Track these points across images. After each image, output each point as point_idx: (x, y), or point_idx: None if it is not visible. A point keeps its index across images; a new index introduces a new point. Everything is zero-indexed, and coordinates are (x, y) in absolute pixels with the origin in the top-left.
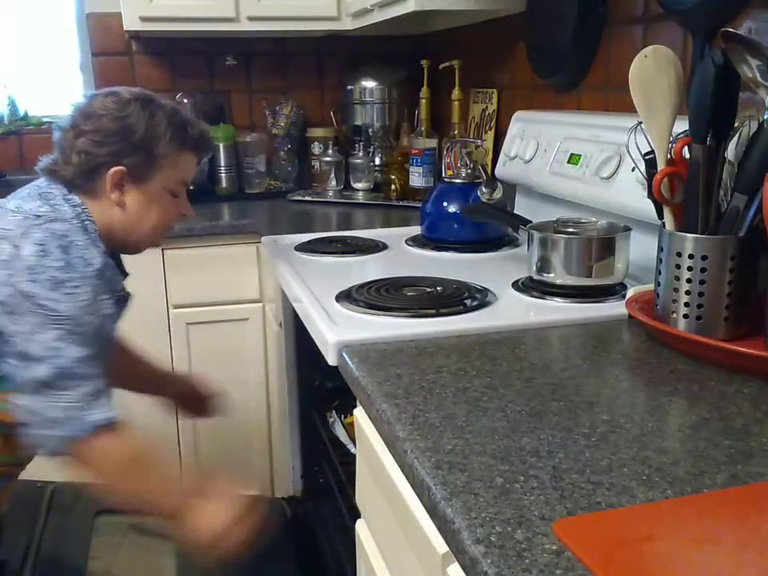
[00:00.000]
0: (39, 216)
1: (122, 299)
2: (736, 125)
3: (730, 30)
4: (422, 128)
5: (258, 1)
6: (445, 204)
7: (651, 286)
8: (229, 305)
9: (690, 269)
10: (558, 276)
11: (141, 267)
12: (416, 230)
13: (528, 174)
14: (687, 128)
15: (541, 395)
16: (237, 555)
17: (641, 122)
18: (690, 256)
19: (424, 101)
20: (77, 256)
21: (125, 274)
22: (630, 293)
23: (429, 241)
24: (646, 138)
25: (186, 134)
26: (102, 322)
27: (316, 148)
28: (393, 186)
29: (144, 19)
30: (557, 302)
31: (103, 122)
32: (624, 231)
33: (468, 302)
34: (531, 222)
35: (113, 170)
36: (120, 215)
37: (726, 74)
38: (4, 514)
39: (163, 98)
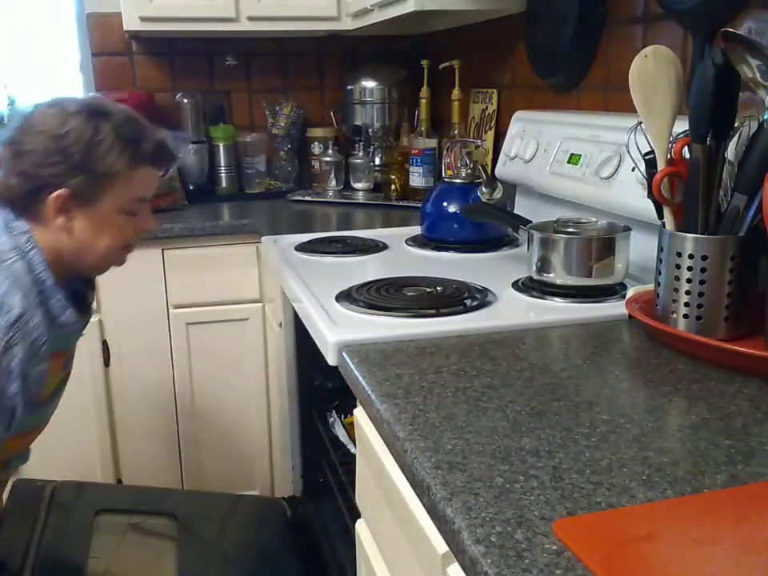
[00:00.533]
0: None
1: (64, 339)
2: (736, 125)
3: (730, 30)
4: (422, 128)
5: (257, 1)
6: (445, 204)
7: (651, 286)
8: (229, 305)
9: (690, 269)
10: (558, 276)
11: (141, 267)
12: (416, 229)
13: (528, 174)
14: (687, 128)
15: (541, 395)
16: None
17: (641, 122)
18: (690, 256)
19: (424, 101)
20: None
21: (85, 305)
22: (630, 293)
23: (429, 241)
24: (646, 137)
25: (138, 147)
26: (4, 382)
27: (316, 148)
28: (393, 186)
29: (144, 19)
30: (557, 302)
31: (42, 140)
32: (624, 231)
33: (468, 302)
34: (531, 221)
35: (54, 194)
36: (68, 241)
37: (726, 74)
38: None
39: (117, 106)
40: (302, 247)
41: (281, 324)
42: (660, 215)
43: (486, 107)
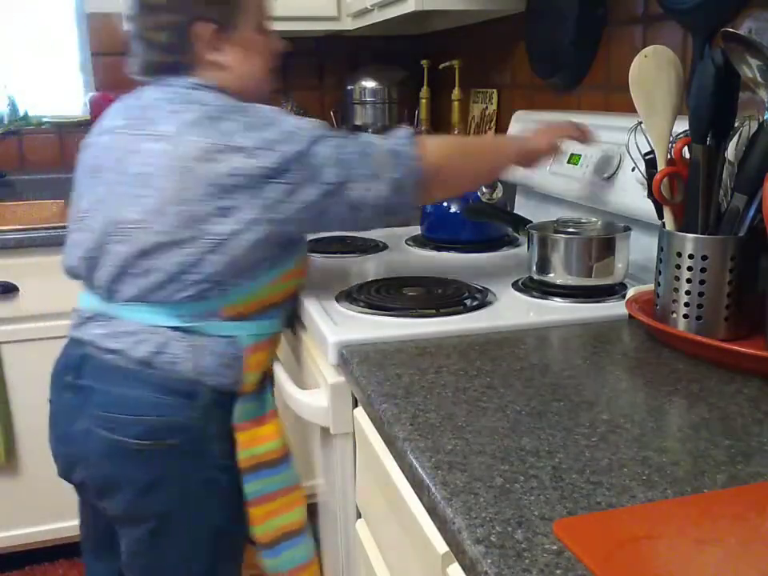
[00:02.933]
0: (211, 117)
1: None
2: (736, 125)
3: (730, 29)
4: (422, 128)
5: None
6: (445, 204)
7: (651, 286)
8: None
9: (690, 269)
10: (558, 276)
11: None
12: (416, 229)
13: (528, 174)
14: (687, 128)
15: (541, 395)
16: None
17: (641, 122)
18: (690, 256)
19: (424, 101)
20: (259, 111)
21: None
22: (630, 293)
23: (429, 241)
24: (646, 137)
25: None
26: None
27: None
28: None
29: None
30: (557, 302)
31: None
32: (624, 231)
33: (468, 302)
34: (531, 221)
35: (202, 30)
36: (230, 77)
37: (726, 74)
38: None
39: None
40: None
41: None
42: (660, 215)
43: (486, 107)
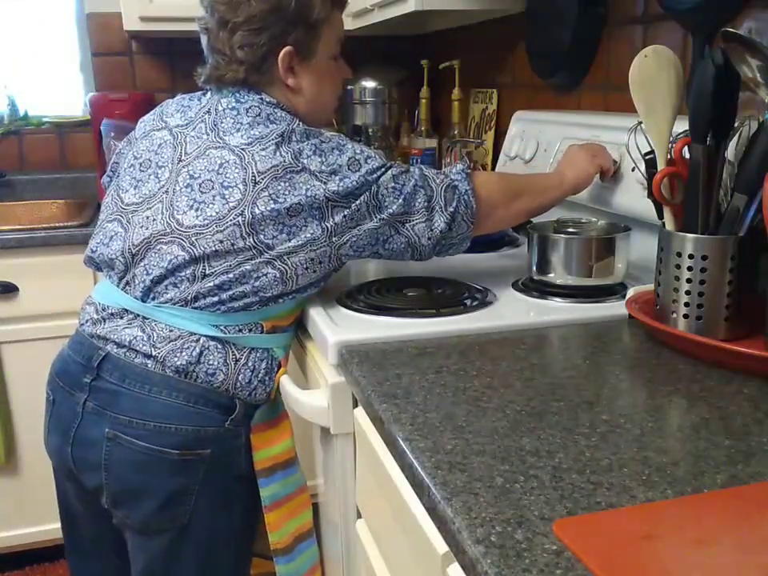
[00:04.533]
0: (282, 135)
1: None
2: (736, 125)
3: (730, 29)
4: (422, 128)
5: None
6: None
7: (651, 286)
8: None
9: (690, 269)
10: (558, 276)
11: None
12: None
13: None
14: (687, 128)
15: (541, 395)
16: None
17: (641, 122)
18: (690, 256)
19: (424, 101)
20: (326, 136)
21: None
22: (630, 293)
23: None
24: (646, 138)
25: None
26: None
27: None
28: None
29: (144, 19)
30: (557, 302)
31: (253, 7)
32: (624, 231)
33: (468, 302)
34: (531, 222)
35: (281, 53)
36: (302, 101)
37: (726, 74)
38: None
39: None
40: None
41: None
42: (660, 215)
43: (486, 107)
